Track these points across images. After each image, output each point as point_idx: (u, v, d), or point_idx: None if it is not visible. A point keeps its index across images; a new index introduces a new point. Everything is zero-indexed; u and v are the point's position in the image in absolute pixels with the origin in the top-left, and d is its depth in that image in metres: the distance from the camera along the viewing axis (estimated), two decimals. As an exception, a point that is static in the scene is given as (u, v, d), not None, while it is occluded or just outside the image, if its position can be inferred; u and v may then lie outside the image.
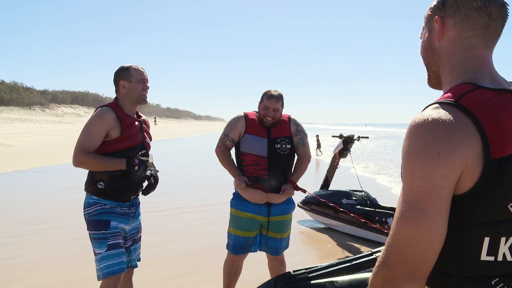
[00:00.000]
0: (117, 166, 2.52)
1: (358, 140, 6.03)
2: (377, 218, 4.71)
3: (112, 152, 2.57)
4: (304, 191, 3.36)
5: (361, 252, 3.09)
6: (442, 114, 0.89)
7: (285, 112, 3.22)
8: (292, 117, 3.22)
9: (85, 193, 2.67)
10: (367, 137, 6.53)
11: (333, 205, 4.55)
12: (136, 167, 2.52)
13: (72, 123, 46.20)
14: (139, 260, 2.88)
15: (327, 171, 6.38)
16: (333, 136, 6.69)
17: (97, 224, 2.56)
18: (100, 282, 2.56)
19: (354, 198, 5.59)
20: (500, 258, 0.91)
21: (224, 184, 10.24)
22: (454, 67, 1.01)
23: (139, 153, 2.63)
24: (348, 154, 6.08)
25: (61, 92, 71.01)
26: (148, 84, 2.73)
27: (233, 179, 3.14)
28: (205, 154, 18.90)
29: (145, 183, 2.76)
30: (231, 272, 3.25)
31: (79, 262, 4.48)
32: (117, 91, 2.71)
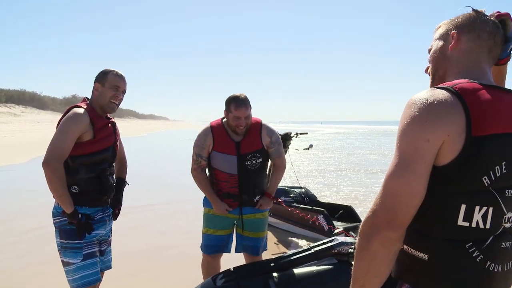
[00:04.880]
0: (66, 205, 2.30)
1: (296, 137, 6.06)
2: (309, 216, 4.64)
3: (86, 155, 2.40)
4: (281, 202, 3.43)
5: (301, 247, 3.21)
6: (435, 93, 1.07)
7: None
8: (263, 123, 3.07)
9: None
10: (306, 133, 6.49)
11: (290, 209, 4.39)
12: (76, 221, 2.34)
13: (8, 122, 43.45)
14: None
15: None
16: None
17: (71, 233, 2.39)
18: None
19: (292, 195, 5.65)
20: (474, 224, 1.07)
21: (165, 183, 10.16)
22: (459, 71, 1.21)
23: (89, 220, 2.42)
24: (287, 151, 6.16)
25: (-5, 91, 66.44)
26: (122, 95, 2.56)
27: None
28: (148, 153, 18.58)
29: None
30: (209, 274, 3.10)
31: (14, 268, 4.31)
32: (92, 92, 2.55)
